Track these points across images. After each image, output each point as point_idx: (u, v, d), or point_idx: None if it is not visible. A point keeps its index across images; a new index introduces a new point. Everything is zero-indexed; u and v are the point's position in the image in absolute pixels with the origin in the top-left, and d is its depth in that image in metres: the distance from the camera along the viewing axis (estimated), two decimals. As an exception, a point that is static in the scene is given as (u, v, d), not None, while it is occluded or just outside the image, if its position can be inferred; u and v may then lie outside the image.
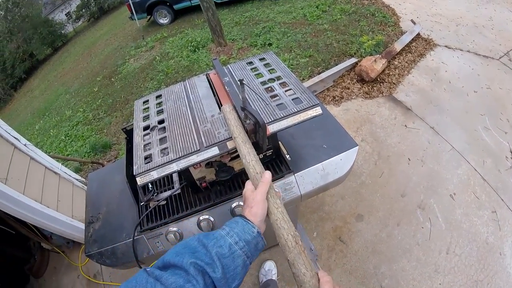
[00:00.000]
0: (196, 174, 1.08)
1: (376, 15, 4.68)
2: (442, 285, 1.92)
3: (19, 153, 2.11)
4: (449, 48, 3.91)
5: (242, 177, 1.17)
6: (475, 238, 2.11)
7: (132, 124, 1.19)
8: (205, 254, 0.59)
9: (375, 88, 3.41)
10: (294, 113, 0.96)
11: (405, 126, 2.94)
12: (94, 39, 11.07)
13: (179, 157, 0.92)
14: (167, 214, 1.10)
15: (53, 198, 2.20)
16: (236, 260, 0.61)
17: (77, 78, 7.26)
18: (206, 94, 1.20)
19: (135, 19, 7.62)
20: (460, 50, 3.85)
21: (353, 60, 3.71)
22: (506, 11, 4.56)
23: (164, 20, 7.42)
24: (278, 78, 1.16)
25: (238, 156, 1.09)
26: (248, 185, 0.75)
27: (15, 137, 2.12)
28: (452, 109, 3.05)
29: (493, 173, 2.46)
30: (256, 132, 0.88)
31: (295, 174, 1.16)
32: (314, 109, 0.97)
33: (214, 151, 0.94)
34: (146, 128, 1.11)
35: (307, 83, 3.43)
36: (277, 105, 1.01)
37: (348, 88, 3.46)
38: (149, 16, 7.63)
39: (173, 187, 1.19)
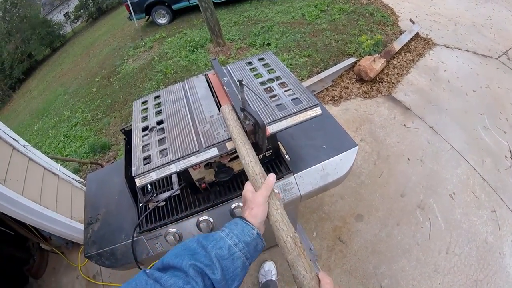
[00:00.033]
0: (195, 175, 1.08)
1: (375, 14, 4.68)
2: (442, 285, 1.92)
3: (18, 154, 2.11)
4: (448, 47, 3.92)
5: (241, 177, 1.16)
6: (474, 237, 2.11)
7: (131, 125, 1.19)
8: (205, 256, 0.59)
9: (374, 87, 3.41)
10: (293, 113, 0.96)
11: (404, 125, 2.94)
12: (92, 40, 11.05)
13: (178, 158, 0.92)
14: (167, 215, 1.10)
15: (52, 199, 2.19)
16: (236, 262, 0.61)
17: (75, 78, 7.24)
18: (205, 95, 1.20)
19: (133, 19, 7.61)
20: (459, 49, 3.86)
21: (352, 59, 3.71)
22: (504, 10, 4.57)
23: (162, 20, 7.41)
24: (278, 78, 1.16)
25: (237, 157, 1.09)
26: (248, 186, 0.75)
27: (13, 138, 2.12)
28: (451, 108, 3.06)
29: (492, 172, 2.46)
30: (255, 133, 0.87)
31: (295, 175, 1.16)
32: (314, 109, 0.97)
33: (214, 152, 0.93)
34: (145, 129, 1.10)
35: (306, 83, 3.42)
36: (276, 105, 1.01)
37: (347, 88, 3.46)
38: (148, 16, 7.62)
39: (172, 188, 1.18)
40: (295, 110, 0.96)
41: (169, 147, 0.97)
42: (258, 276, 2.07)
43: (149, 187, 1.18)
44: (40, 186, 2.15)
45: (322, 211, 2.39)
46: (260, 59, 1.30)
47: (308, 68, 3.78)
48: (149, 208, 1.10)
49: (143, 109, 1.22)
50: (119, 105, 4.62)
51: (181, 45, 5.53)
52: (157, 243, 1.09)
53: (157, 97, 1.27)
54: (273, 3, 6.20)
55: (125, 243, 1.10)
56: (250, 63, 1.29)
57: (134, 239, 1.06)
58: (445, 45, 3.95)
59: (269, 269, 2.05)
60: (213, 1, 4.74)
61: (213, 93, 1.19)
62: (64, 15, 17.94)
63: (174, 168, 0.91)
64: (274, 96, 1.07)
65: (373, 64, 3.37)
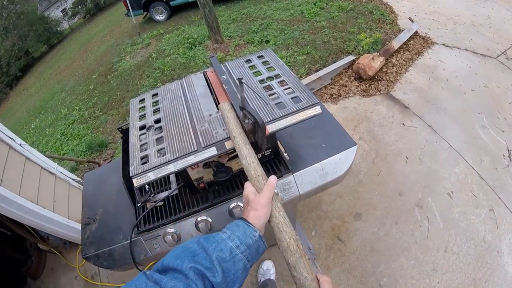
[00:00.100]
0: (193, 174, 1.07)
1: (374, 12, 4.67)
2: (440, 283, 1.93)
3: (14, 153, 2.08)
4: (446, 46, 3.91)
5: (240, 177, 1.15)
6: (472, 236, 2.11)
7: (128, 123, 1.17)
8: (205, 258, 0.59)
9: (372, 86, 3.40)
10: (293, 112, 0.95)
11: (403, 124, 2.94)
12: (90, 36, 10.97)
13: (176, 158, 0.90)
14: (165, 215, 1.09)
15: (49, 198, 2.17)
16: (237, 264, 0.60)
17: (72, 75, 7.19)
18: (204, 93, 1.19)
19: (131, 16, 7.56)
20: (458, 48, 3.85)
21: (350, 57, 3.70)
22: (503, 10, 4.56)
23: (160, 17, 7.36)
24: (277, 76, 1.14)
25: (236, 156, 1.07)
26: (249, 186, 0.74)
27: (10, 137, 2.09)
28: (450, 107, 3.05)
29: (490, 171, 2.47)
30: (255, 132, 0.86)
31: (294, 174, 1.15)
32: (314, 108, 0.96)
33: (212, 151, 0.92)
34: (142, 127, 1.09)
35: (304, 81, 3.41)
36: (276, 104, 1.00)
37: (346, 86, 3.45)
38: (146, 13, 7.57)
39: (170, 188, 1.17)
40: (295, 109, 0.95)
41: (167, 146, 0.96)
42: (256, 275, 2.07)
43: (147, 186, 1.17)
44: (37, 185, 2.13)
45: (321, 209, 2.38)
46: (259, 57, 1.28)
47: (306, 66, 3.77)
48: (147, 208, 1.09)
49: (141, 107, 1.21)
50: (117, 102, 4.59)
51: (179, 42, 5.49)
52: (155, 243, 1.08)
53: (155, 95, 1.25)
54: (272, 0, 6.17)
55: (123, 243, 1.09)
56: (249, 60, 1.28)
57: (132, 239, 1.05)
58: (444, 44, 3.94)
59: (268, 268, 2.05)
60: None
61: (212, 91, 1.17)
62: (61, 11, 17.79)
63: (172, 168, 0.90)
64: (274, 94, 1.06)
65: (372, 62, 3.37)
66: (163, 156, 0.93)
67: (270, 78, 1.15)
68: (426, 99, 3.18)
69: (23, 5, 15.01)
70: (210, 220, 1.09)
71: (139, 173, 0.89)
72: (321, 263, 2.11)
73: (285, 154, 1.20)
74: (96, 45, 8.70)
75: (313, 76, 3.48)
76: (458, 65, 3.58)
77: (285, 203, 1.14)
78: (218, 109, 1.06)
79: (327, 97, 3.36)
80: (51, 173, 2.35)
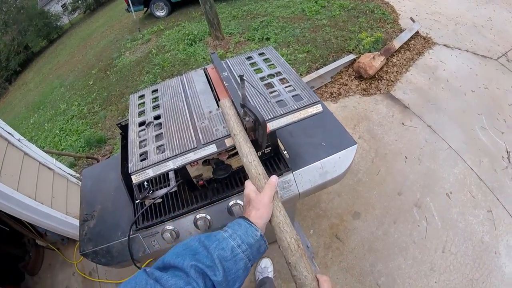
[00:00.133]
0: (193, 172, 1.06)
1: (375, 12, 4.65)
2: (438, 283, 1.93)
3: (13, 148, 2.07)
4: (447, 47, 3.90)
5: (239, 174, 1.15)
6: (470, 237, 2.12)
7: (127, 120, 1.16)
8: (206, 257, 0.58)
9: (373, 85, 3.39)
10: (294, 110, 0.94)
11: (403, 124, 2.94)
12: (90, 31, 10.91)
13: (175, 155, 0.90)
14: (163, 212, 1.08)
15: (47, 194, 2.17)
16: (238, 263, 0.60)
17: (72, 71, 7.16)
18: (204, 89, 1.18)
19: (131, 11, 7.52)
20: (459, 49, 3.85)
21: (351, 56, 3.69)
22: (505, 11, 4.55)
23: (161, 13, 7.33)
24: (278, 74, 1.14)
25: (236, 153, 1.07)
26: (250, 185, 0.73)
27: (8, 132, 2.08)
28: (450, 108, 3.05)
29: (489, 172, 2.47)
30: (255, 129, 0.86)
31: (294, 172, 1.15)
32: (315, 106, 0.95)
33: (212, 148, 0.92)
34: (141, 124, 1.08)
35: (304, 79, 3.40)
36: (276, 101, 0.99)
37: (346, 85, 3.45)
38: (146, 8, 7.53)
39: (169, 184, 1.16)
40: (296, 107, 0.95)
41: (166, 143, 0.95)
42: (254, 273, 2.07)
43: (145, 183, 1.16)
44: (36, 181, 2.12)
45: (319, 208, 2.38)
46: (260, 54, 1.28)
47: (307, 64, 3.75)
48: (145, 205, 1.09)
49: (140, 103, 1.20)
50: (116, 98, 4.57)
51: (179, 38, 5.47)
52: (154, 240, 1.08)
53: (155, 91, 1.25)
54: (273, -3, 6.14)
55: (121, 240, 1.08)
56: (250, 57, 1.27)
57: (130, 236, 1.04)
58: (445, 45, 3.93)
59: (266, 266, 2.05)
60: (212, -5, 4.67)
61: (212, 88, 1.17)
62: (61, 6, 17.67)
63: (171, 165, 0.89)
64: (274, 92, 1.05)
65: (372, 62, 3.36)
66: (162, 153, 0.92)
67: (271, 75, 1.14)
68: (426, 99, 3.18)
69: (23, 0, 14.91)
70: (209, 217, 1.08)
71: (138, 170, 0.88)
72: (319, 261, 2.11)
73: (285, 152, 1.19)
74: (96, 41, 8.65)
75: (314, 74, 3.47)
76: (459, 66, 3.57)
77: (284, 201, 1.14)
78: (218, 106, 1.05)
79: (327, 96, 3.35)
80: (50, 168, 2.34)
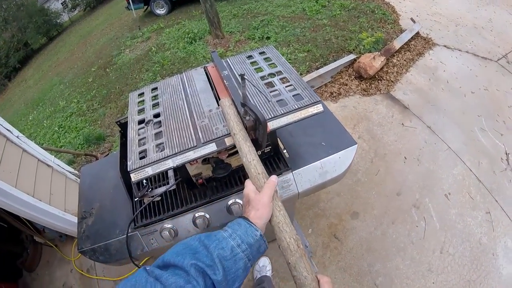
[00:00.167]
0: (192, 170, 1.06)
1: (376, 12, 4.64)
2: (435, 284, 1.94)
3: (11, 145, 2.07)
4: (448, 48, 3.90)
5: (239, 173, 1.14)
6: (468, 238, 2.12)
7: (127, 117, 1.16)
8: (206, 256, 0.58)
9: (373, 85, 3.39)
10: (295, 110, 0.94)
11: (402, 124, 2.94)
12: (89, 29, 10.88)
13: (175, 153, 0.90)
14: (162, 210, 1.08)
15: (45, 191, 2.16)
16: (238, 263, 0.60)
17: (71, 68, 7.14)
18: (204, 88, 1.17)
19: (131, 9, 7.50)
20: (459, 50, 3.85)
21: (351, 56, 3.69)
22: (505, 13, 4.55)
23: (161, 11, 7.31)
24: (279, 73, 1.13)
25: (236, 152, 1.07)
26: (250, 185, 0.73)
27: (7, 129, 2.08)
28: (449, 109, 3.05)
29: (488, 174, 2.47)
30: (256, 129, 0.85)
31: (293, 172, 1.14)
32: (315, 106, 0.95)
33: (212, 147, 0.91)
34: (141, 121, 1.08)
35: (305, 78, 3.39)
36: (277, 101, 0.99)
37: (346, 85, 3.44)
38: (146, 6, 7.51)
39: (168, 183, 1.16)
40: (297, 107, 0.95)
41: (165, 141, 0.95)
42: (253, 272, 2.07)
43: (144, 181, 1.16)
44: (34, 178, 2.11)
45: (318, 207, 2.38)
46: (261, 53, 1.27)
47: (307, 64, 3.75)
48: (144, 203, 1.08)
49: (140, 101, 1.20)
50: (115, 96, 4.56)
51: (179, 36, 5.46)
52: (152, 238, 1.07)
53: (154, 89, 1.24)
54: (273, -4, 6.13)
55: (120, 238, 1.08)
56: (250, 56, 1.26)
57: (128, 234, 1.04)
58: (445, 46, 3.93)
59: (264, 265, 2.05)
60: (213, -7, 4.66)
61: (212, 87, 1.16)
62: (61, 3, 17.62)
63: (170, 163, 0.89)
64: (275, 91, 1.05)
65: (372, 62, 3.35)
66: (161, 151, 0.92)
67: (271, 74, 1.14)
68: (426, 100, 3.18)
69: (24, -3, 14.88)
70: (207, 216, 1.08)
71: (137, 168, 0.88)
72: (317, 261, 2.11)
73: (285, 151, 1.19)
74: (96, 38, 8.63)
75: (314, 74, 3.46)
76: (459, 67, 3.57)
77: (283, 201, 1.13)
78: (218, 105, 1.05)
79: (327, 95, 3.35)
80: (48, 165, 2.34)
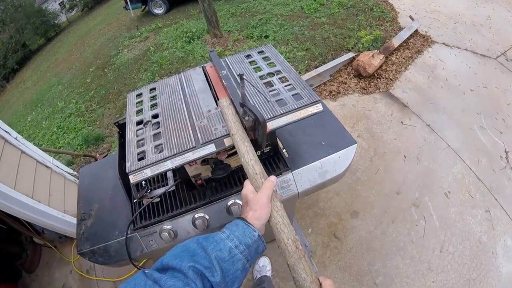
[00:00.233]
0: (191, 171, 1.05)
1: (375, 10, 4.64)
2: (435, 283, 1.94)
3: (10, 146, 2.05)
4: (446, 45, 3.90)
5: (238, 173, 1.14)
6: (468, 237, 2.12)
7: (125, 118, 1.15)
8: (205, 258, 0.58)
9: (372, 83, 3.39)
10: (294, 109, 0.94)
11: (402, 122, 2.93)
12: (87, 29, 10.84)
13: (174, 155, 0.89)
14: (161, 211, 1.08)
15: (44, 192, 2.15)
16: (236, 264, 0.60)
17: (70, 68, 7.11)
18: (203, 88, 1.17)
19: (129, 9, 7.47)
20: (458, 48, 3.84)
21: (350, 54, 3.68)
22: (504, 10, 4.55)
23: (159, 10, 7.29)
24: (278, 72, 1.13)
25: (235, 153, 1.06)
26: (248, 185, 0.73)
27: (5, 131, 2.06)
28: (449, 107, 3.05)
29: (487, 172, 2.47)
30: (255, 129, 0.85)
31: (293, 172, 1.14)
32: (315, 105, 0.95)
33: (211, 148, 0.91)
34: (139, 122, 1.07)
35: (303, 77, 3.39)
36: (276, 101, 0.98)
37: (345, 83, 3.44)
38: (144, 6, 7.49)
39: (167, 184, 1.16)
40: (296, 106, 0.94)
41: (164, 142, 0.94)
42: (252, 272, 2.06)
43: (143, 182, 1.15)
44: (33, 179, 2.10)
45: (318, 207, 2.38)
46: (259, 52, 1.27)
47: (306, 62, 3.74)
48: (143, 204, 1.08)
49: (138, 102, 1.19)
50: (114, 96, 4.55)
51: (177, 35, 5.44)
52: (152, 240, 1.07)
53: (153, 89, 1.23)
54: (271, -5, 6.11)
55: (119, 240, 1.07)
56: (249, 56, 1.26)
57: (128, 236, 1.03)
58: (444, 43, 3.93)
59: (264, 265, 2.05)
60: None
61: (211, 87, 1.15)
62: (59, 4, 17.54)
63: (169, 164, 0.88)
64: (274, 91, 1.04)
65: (371, 60, 3.35)
66: (160, 152, 0.91)
67: (270, 74, 1.13)
68: (425, 98, 3.17)
69: (21, -2, 14.82)
70: (207, 217, 1.08)
71: (135, 170, 0.88)
72: (317, 260, 2.11)
73: (284, 151, 1.19)
74: (94, 38, 8.59)
75: (313, 73, 3.46)
76: (458, 65, 3.57)
77: (283, 201, 1.13)
78: (217, 105, 1.04)
79: (326, 94, 3.35)
80: (47, 166, 2.33)
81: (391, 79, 3.41)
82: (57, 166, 2.45)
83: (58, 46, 11.82)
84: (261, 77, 1.12)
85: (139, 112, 1.13)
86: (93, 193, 1.29)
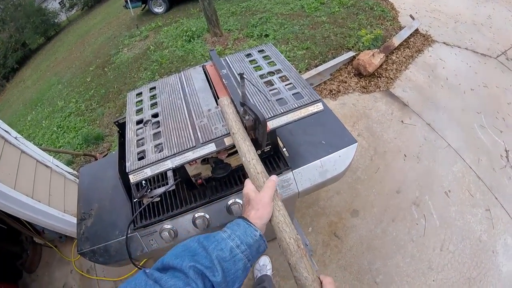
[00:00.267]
0: (191, 170, 1.05)
1: (375, 9, 4.63)
2: (436, 281, 1.94)
3: (10, 146, 2.05)
4: (447, 44, 3.89)
5: (238, 172, 1.14)
6: (468, 235, 2.12)
7: (125, 117, 1.15)
8: (205, 257, 0.58)
9: (372, 82, 3.38)
10: (294, 108, 0.93)
11: (402, 121, 2.93)
12: (87, 28, 10.82)
13: (174, 154, 0.89)
14: (161, 211, 1.07)
15: (44, 192, 2.15)
16: (237, 264, 0.60)
17: (69, 68, 7.10)
18: (203, 87, 1.16)
19: (129, 8, 7.47)
20: (458, 47, 3.84)
21: (351, 53, 3.67)
22: (504, 10, 4.54)
23: (159, 9, 7.28)
24: (278, 71, 1.13)
25: (235, 152, 1.06)
26: (249, 184, 0.72)
27: (5, 130, 2.06)
28: (449, 106, 3.05)
29: (488, 171, 2.47)
30: (255, 128, 0.84)
31: (293, 171, 1.14)
32: (315, 105, 0.94)
33: (211, 147, 0.90)
34: (139, 122, 1.07)
35: (304, 76, 3.38)
36: (277, 100, 0.98)
37: (345, 82, 3.43)
38: (144, 5, 7.48)
39: (167, 183, 1.15)
40: (296, 105, 0.94)
41: (164, 141, 0.94)
42: (253, 271, 2.06)
43: (143, 182, 1.15)
44: (33, 179, 2.10)
45: (318, 206, 2.38)
46: (260, 51, 1.26)
47: (306, 61, 3.74)
48: (143, 204, 1.07)
49: (138, 101, 1.19)
50: (114, 95, 4.54)
51: (177, 34, 5.43)
52: (152, 239, 1.07)
53: (152, 88, 1.23)
54: (271, -6, 6.10)
55: (119, 239, 1.07)
56: (249, 54, 1.25)
57: (128, 235, 1.03)
58: (444, 42, 3.92)
59: (264, 264, 2.05)
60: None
61: (211, 86, 1.15)
62: (59, 3, 17.52)
63: (169, 164, 0.88)
64: (274, 90, 1.04)
65: (372, 59, 3.34)
66: (160, 151, 0.91)
67: (271, 73, 1.13)
68: (425, 97, 3.17)
69: (21, -3, 14.79)
70: (207, 216, 1.08)
71: (135, 169, 0.87)
72: (318, 259, 2.11)
73: (284, 150, 1.18)
74: (94, 37, 8.59)
75: (313, 71, 3.45)
76: (458, 64, 3.56)
77: (283, 200, 1.12)
78: (217, 104, 1.04)
79: (327, 93, 3.34)
80: (47, 166, 2.33)
81: (391, 78, 3.40)
82: (57, 166, 2.45)
83: (58, 45, 11.81)
84: (261, 76, 1.12)
85: (139, 111, 1.12)
86: (93, 193, 1.29)
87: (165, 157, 0.88)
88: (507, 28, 4.13)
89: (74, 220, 2.21)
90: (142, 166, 0.87)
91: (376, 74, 3.44)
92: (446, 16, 4.49)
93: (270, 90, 1.03)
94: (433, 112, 2.99)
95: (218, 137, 0.92)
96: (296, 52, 3.95)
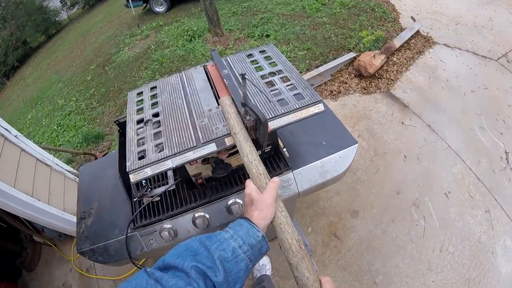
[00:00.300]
0: (191, 170, 1.05)
1: (376, 10, 4.63)
2: (435, 282, 1.94)
3: (10, 144, 2.05)
4: (448, 46, 3.89)
5: (238, 172, 1.14)
6: (468, 237, 2.12)
7: (125, 116, 1.15)
8: (207, 257, 0.58)
9: (373, 83, 3.38)
10: (295, 109, 0.93)
11: (402, 123, 2.93)
12: (88, 27, 10.82)
13: (174, 154, 0.89)
14: (161, 210, 1.07)
15: (44, 191, 2.15)
16: (239, 264, 0.60)
17: (70, 66, 7.10)
18: (204, 87, 1.17)
19: (130, 7, 7.46)
20: (459, 49, 3.84)
21: (351, 54, 3.68)
22: (506, 12, 4.54)
23: (160, 8, 7.27)
24: (279, 72, 1.13)
25: (235, 152, 1.06)
26: (251, 185, 0.72)
27: (5, 128, 2.06)
28: (449, 107, 3.05)
29: (487, 173, 2.47)
30: (256, 129, 0.84)
31: (293, 171, 1.14)
32: (317, 105, 0.94)
33: (212, 147, 0.90)
34: (140, 121, 1.07)
35: (304, 76, 3.38)
36: (278, 100, 0.98)
37: (346, 83, 3.43)
38: (145, 4, 7.48)
39: (167, 182, 1.15)
40: (297, 106, 0.94)
41: (165, 141, 0.94)
42: (252, 271, 2.06)
43: (143, 181, 1.15)
44: (32, 177, 2.10)
45: (318, 206, 2.38)
46: (261, 52, 1.26)
47: (307, 62, 3.74)
48: (143, 203, 1.07)
49: (139, 101, 1.19)
50: (114, 94, 4.54)
51: (178, 34, 5.43)
52: (152, 239, 1.07)
53: (153, 88, 1.23)
54: (273, -6, 6.10)
55: (119, 239, 1.07)
56: (251, 55, 1.25)
57: (128, 235, 1.03)
58: (445, 44, 3.92)
59: (264, 264, 2.05)
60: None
61: (212, 86, 1.15)
62: (60, 1, 17.50)
63: (170, 164, 0.88)
64: (276, 90, 1.04)
65: (372, 60, 3.34)
66: (161, 151, 0.91)
67: (272, 73, 1.13)
68: (426, 98, 3.17)
69: (22, -5, 14.78)
70: (207, 216, 1.08)
71: (136, 169, 0.87)
72: (317, 259, 2.11)
73: (285, 151, 1.18)
74: (95, 36, 8.58)
75: (314, 72, 3.46)
76: (459, 66, 3.56)
77: (283, 200, 1.12)
78: (218, 104, 1.04)
79: (327, 94, 3.34)
80: (47, 165, 2.32)
81: (392, 80, 3.40)
82: (57, 164, 2.45)
83: (58, 44, 11.81)
84: (262, 77, 1.12)
85: (139, 110, 1.12)
86: (93, 192, 1.29)
87: (166, 157, 0.88)
88: (508, 31, 4.13)
89: (73, 219, 2.21)
90: (143, 166, 0.87)
91: (376, 75, 3.45)
92: (447, 18, 4.49)
93: (271, 91, 1.03)
94: (433, 113, 3.00)
95: (219, 137, 0.92)
96: (297, 52, 3.95)
